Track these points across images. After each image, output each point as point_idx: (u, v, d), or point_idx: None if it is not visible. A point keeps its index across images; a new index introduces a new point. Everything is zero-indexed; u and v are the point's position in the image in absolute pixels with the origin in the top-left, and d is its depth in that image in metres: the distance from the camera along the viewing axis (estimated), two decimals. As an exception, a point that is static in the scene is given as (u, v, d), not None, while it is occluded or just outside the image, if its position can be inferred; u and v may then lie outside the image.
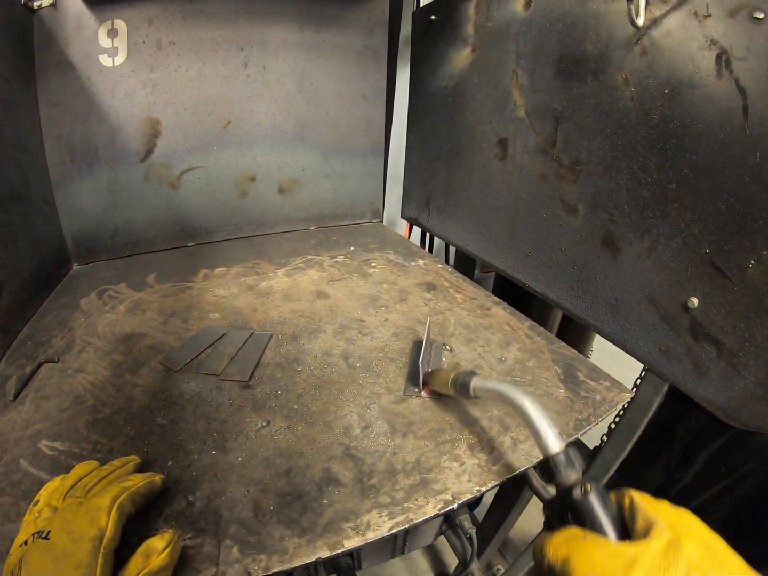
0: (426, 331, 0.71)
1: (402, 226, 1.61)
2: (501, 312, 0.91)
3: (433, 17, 1.14)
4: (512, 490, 0.89)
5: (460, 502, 0.50)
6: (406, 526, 0.47)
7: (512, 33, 0.90)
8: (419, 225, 1.28)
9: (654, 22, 0.65)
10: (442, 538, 0.96)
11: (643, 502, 0.38)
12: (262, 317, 0.87)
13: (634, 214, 0.73)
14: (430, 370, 0.68)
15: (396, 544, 0.97)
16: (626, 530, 0.38)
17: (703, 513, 0.77)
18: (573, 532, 0.37)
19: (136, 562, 0.38)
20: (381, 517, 0.48)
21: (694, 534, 0.35)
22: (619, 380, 0.74)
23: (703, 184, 0.63)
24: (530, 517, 0.77)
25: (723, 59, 0.58)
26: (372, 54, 1.24)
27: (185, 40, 1.07)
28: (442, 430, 0.60)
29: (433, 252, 1.53)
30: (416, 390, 0.66)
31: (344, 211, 1.30)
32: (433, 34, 1.16)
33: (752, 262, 0.59)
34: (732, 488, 0.72)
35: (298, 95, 1.19)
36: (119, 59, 1.03)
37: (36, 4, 0.94)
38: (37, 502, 0.43)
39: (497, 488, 0.89)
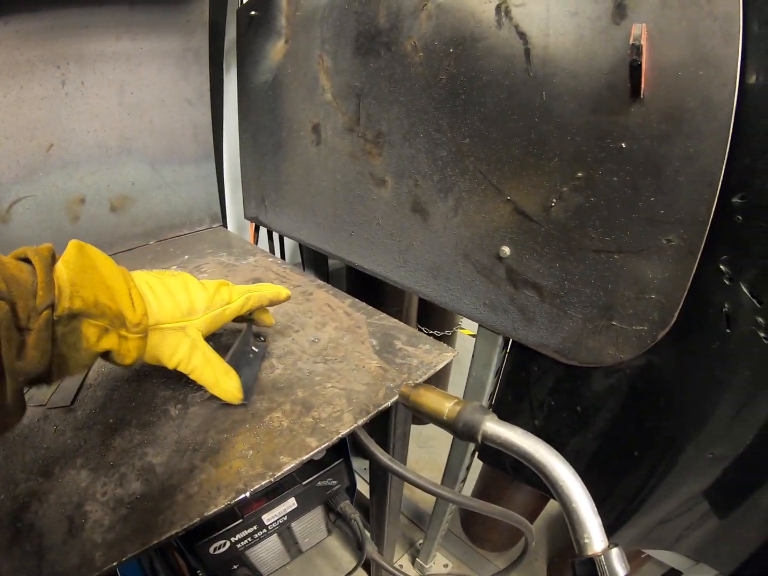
0: (244, 332, 0.69)
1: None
2: (323, 295, 0.92)
3: (252, 13, 1.13)
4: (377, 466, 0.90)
5: (252, 490, 0.51)
6: (197, 519, 0.47)
7: (317, 19, 0.91)
8: (260, 223, 1.27)
9: (437, -15, 0.65)
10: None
11: None
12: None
13: (436, 176, 0.75)
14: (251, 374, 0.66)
15: (288, 546, 0.97)
16: None
17: (565, 450, 0.80)
18: None
19: None
20: (176, 514, 0.48)
21: None
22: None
23: (495, 133, 0.65)
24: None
25: (502, 9, 0.60)
26: (193, 56, 1.19)
27: (1, 65, 0.98)
28: (242, 421, 0.60)
29: (288, 249, 1.51)
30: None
31: (182, 220, 1.25)
32: (253, 30, 1.15)
33: (554, 200, 0.60)
34: (588, 424, 0.74)
35: (119, 108, 1.12)
36: (-64, 97, 0.92)
37: None
38: None
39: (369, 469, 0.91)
